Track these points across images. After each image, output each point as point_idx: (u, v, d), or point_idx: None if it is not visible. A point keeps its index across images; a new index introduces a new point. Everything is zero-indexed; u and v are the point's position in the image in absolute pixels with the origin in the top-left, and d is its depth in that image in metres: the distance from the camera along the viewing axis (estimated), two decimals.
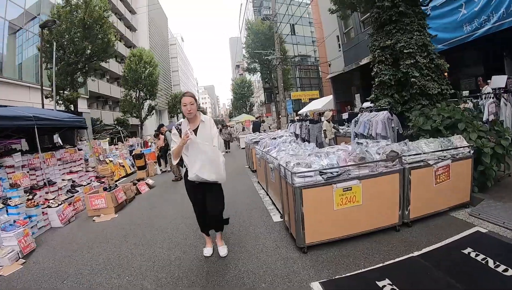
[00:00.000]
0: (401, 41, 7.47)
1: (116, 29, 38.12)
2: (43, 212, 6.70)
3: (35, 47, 17.67)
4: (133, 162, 13.77)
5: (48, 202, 7.09)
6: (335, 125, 11.58)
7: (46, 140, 10.71)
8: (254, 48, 30.16)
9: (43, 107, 12.66)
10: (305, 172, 3.60)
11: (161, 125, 11.63)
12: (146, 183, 9.67)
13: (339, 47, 21.80)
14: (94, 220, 6.90)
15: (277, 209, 5.65)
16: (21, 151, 8.33)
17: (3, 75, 16.57)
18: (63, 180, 8.64)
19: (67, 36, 14.94)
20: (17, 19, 17.71)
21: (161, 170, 13.24)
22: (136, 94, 29.48)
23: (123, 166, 13.89)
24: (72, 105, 15.94)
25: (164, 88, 64.19)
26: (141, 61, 28.78)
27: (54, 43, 13.68)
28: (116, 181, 12.16)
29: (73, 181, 8.91)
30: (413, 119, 6.70)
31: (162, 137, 11.67)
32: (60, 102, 15.48)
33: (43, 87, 12.83)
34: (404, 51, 7.38)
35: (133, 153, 13.96)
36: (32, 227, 6.02)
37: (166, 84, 68.34)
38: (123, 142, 20.38)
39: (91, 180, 9.61)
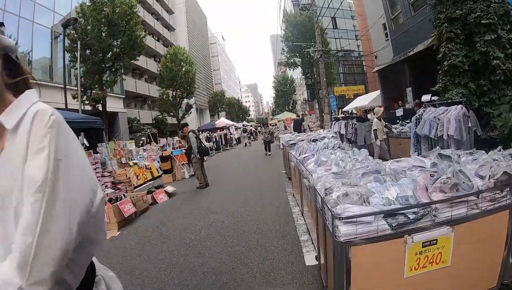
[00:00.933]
0: (475, 10, 5.57)
1: (154, 29, 38.61)
2: None
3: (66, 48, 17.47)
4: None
5: None
6: (387, 123, 9.68)
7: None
8: (293, 41, 28.29)
9: (66, 107, 12.05)
10: (358, 216, 1.98)
11: (184, 125, 10.38)
12: (165, 190, 8.48)
13: (386, 36, 19.49)
14: None
15: (313, 242, 4.06)
16: None
17: (34, 76, 16.17)
18: None
19: (92, 34, 14.33)
20: (46, 21, 17.57)
21: (189, 174, 12.09)
22: (173, 93, 29.00)
23: (150, 169, 12.95)
24: (100, 105, 15.36)
25: (205, 87, 64.48)
26: (177, 59, 28.19)
27: (79, 42, 13.05)
28: (138, 186, 11.23)
29: None
30: (499, 116, 4.75)
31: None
32: (87, 102, 14.94)
33: (69, 87, 12.20)
34: (482, 21, 5.46)
35: (160, 155, 12.97)
36: None
37: (207, 83, 68.66)
38: (157, 143, 19.66)
39: (105, 186, 8.63)
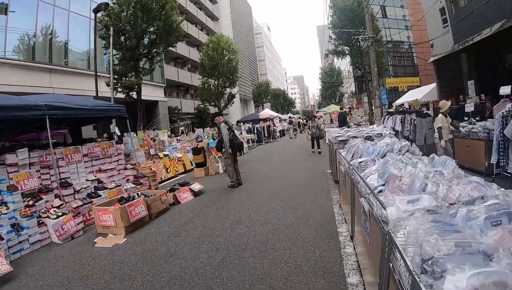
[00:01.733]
0: None
1: (197, 19, 38.07)
2: (39, 223, 5.17)
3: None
4: None
5: (49, 211, 5.42)
6: (453, 120, 7.74)
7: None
8: (341, 28, 25.90)
9: (97, 94, 11.44)
10: None
11: (217, 114, 9.06)
12: (190, 189, 7.35)
13: (444, 23, 16.88)
14: (95, 243, 4.95)
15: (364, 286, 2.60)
16: (41, 145, 6.75)
17: (69, 65, 16.31)
18: (87, 180, 6.83)
19: (125, 19, 13.59)
20: (82, 8, 17.30)
21: (224, 168, 10.93)
22: (214, 82, 28.15)
23: (183, 162, 11.99)
24: (134, 92, 14.69)
25: (250, 78, 63.51)
26: (219, 47, 27.20)
27: (111, 28, 12.35)
28: (166, 180, 10.30)
29: (100, 182, 7.05)
30: None
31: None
32: (120, 89, 14.31)
33: (103, 74, 11.54)
34: None
35: (192, 147, 11.96)
36: (21, 243, 4.78)
37: (252, 73, 67.64)
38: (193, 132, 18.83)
39: (127, 180, 7.73)
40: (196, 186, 7.58)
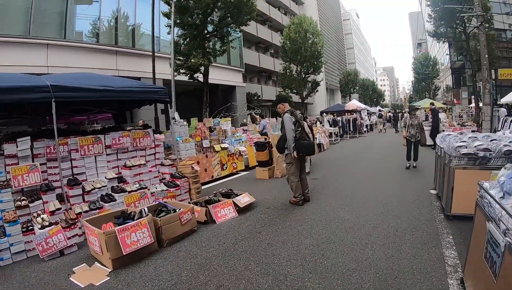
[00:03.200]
0: None
1: (279, 2, 35.98)
2: (28, 230, 4.11)
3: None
4: None
5: (38, 217, 4.21)
6: None
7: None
8: (443, 3, 20.72)
9: (154, 76, 10.15)
10: None
11: (280, 100, 6.46)
12: (234, 202, 5.29)
13: None
14: (73, 272, 3.48)
15: None
16: (47, 133, 5.37)
17: (135, 47, 15.86)
18: (106, 178, 5.30)
19: None
20: None
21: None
22: (297, 68, 25.74)
23: (246, 156, 10.08)
24: (201, 75, 13.21)
25: (338, 66, 59.37)
26: (302, 30, 24.56)
27: (172, 3, 10.94)
28: (217, 179, 8.49)
29: (122, 181, 5.48)
30: None
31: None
32: (183, 71, 12.94)
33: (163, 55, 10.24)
34: None
35: (256, 141, 9.91)
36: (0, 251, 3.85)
37: (340, 62, 63.36)
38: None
39: (161, 179, 6.06)
40: (243, 199, 5.47)
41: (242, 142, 10.65)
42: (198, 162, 7.45)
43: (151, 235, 3.69)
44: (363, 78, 64.66)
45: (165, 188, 5.83)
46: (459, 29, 22.21)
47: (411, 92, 74.16)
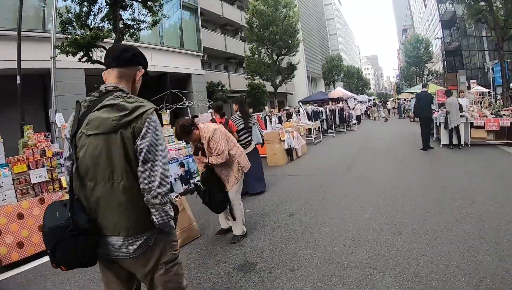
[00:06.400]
0: None
1: None
2: None
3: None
4: None
5: None
6: None
7: None
8: None
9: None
10: None
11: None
12: None
13: None
14: None
15: None
16: None
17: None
18: None
19: None
20: None
21: None
22: (266, 49, 21.05)
23: None
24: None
25: (320, 52, 54.97)
26: (271, 0, 19.81)
27: None
28: None
29: None
30: None
31: None
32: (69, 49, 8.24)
33: None
34: None
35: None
36: None
37: (323, 48, 58.96)
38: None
39: None
40: None
41: None
42: None
43: None
44: (348, 65, 60.40)
45: None
46: None
47: (397, 80, 70.91)
